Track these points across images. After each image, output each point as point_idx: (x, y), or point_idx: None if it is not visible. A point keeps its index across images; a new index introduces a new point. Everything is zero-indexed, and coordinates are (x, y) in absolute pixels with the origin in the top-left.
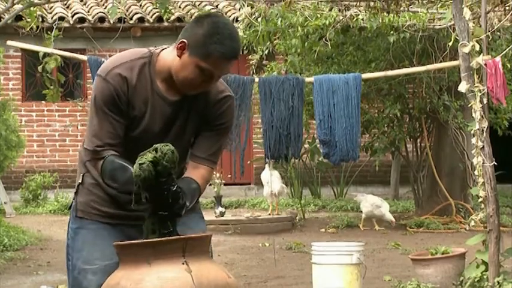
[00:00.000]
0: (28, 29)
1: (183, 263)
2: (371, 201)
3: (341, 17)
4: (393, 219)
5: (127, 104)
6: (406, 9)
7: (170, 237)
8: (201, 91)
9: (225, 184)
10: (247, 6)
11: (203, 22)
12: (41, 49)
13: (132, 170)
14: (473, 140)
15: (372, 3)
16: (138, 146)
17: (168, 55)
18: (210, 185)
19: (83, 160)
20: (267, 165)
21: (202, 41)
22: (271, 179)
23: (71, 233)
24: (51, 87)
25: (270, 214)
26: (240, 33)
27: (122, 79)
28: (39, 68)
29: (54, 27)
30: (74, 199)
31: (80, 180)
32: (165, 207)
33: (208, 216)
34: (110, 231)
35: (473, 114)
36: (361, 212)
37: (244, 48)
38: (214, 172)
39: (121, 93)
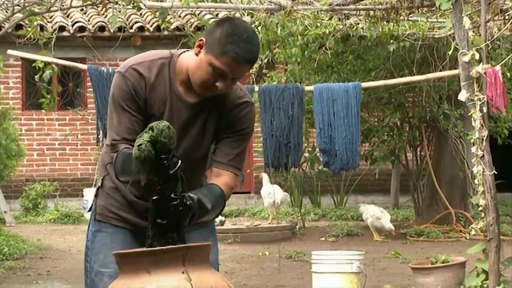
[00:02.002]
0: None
1: (183, 272)
2: (371, 213)
3: (341, 26)
4: (393, 228)
5: (145, 101)
6: (405, 18)
7: (170, 246)
8: (217, 94)
9: None
10: (247, 15)
11: (224, 23)
12: (41, 58)
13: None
14: (473, 149)
15: (371, 12)
16: None
17: (187, 57)
18: None
19: (104, 163)
20: (266, 181)
21: (218, 40)
22: (274, 189)
23: (90, 236)
24: (48, 96)
25: (270, 223)
26: None
27: (139, 76)
28: (36, 78)
29: (54, 36)
30: (93, 202)
31: (99, 184)
32: (169, 206)
33: None
34: (127, 235)
35: (473, 123)
36: (363, 221)
37: None
38: None
39: (139, 90)
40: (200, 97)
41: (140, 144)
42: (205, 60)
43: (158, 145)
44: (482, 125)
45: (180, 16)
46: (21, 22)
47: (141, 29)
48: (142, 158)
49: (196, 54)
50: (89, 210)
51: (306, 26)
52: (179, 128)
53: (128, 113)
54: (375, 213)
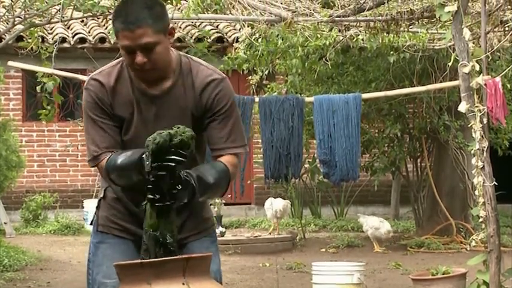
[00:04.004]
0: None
1: (184, 283)
2: (370, 224)
3: (341, 37)
4: (390, 229)
5: (111, 107)
6: (406, 29)
7: (171, 257)
8: (150, 74)
9: (225, 204)
10: (248, 26)
11: None
12: (42, 70)
13: (137, 156)
14: (474, 160)
15: (371, 24)
16: (137, 147)
17: None
18: (211, 204)
19: None
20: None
21: (113, 23)
22: (275, 200)
23: (92, 248)
24: (48, 107)
25: (270, 233)
26: (241, 54)
27: (100, 84)
28: (38, 88)
29: (55, 47)
30: (95, 213)
31: (102, 195)
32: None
33: None
34: (129, 246)
35: (474, 134)
36: (363, 232)
37: (245, 68)
38: None
39: (102, 97)
40: (163, 87)
41: (161, 132)
42: (120, 48)
43: (176, 140)
44: (482, 136)
45: (180, 27)
46: (21, 34)
47: None
48: (157, 141)
49: None
50: (91, 223)
51: (306, 37)
52: (153, 121)
53: (99, 122)
54: (373, 224)
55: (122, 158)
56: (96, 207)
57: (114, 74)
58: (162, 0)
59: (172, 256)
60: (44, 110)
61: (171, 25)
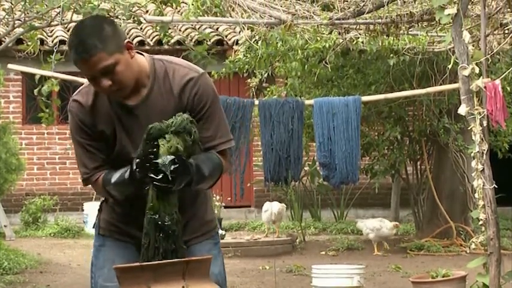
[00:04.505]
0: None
1: (183, 286)
2: (370, 226)
3: (341, 40)
4: (396, 223)
5: (93, 125)
6: (405, 32)
7: (170, 260)
8: (121, 93)
9: (225, 207)
10: (248, 29)
11: None
12: (42, 72)
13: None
14: (473, 163)
15: (371, 26)
16: (126, 162)
17: None
18: None
19: None
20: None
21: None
22: (271, 204)
23: (94, 251)
24: (47, 110)
25: (266, 236)
26: (241, 56)
27: (79, 104)
28: (35, 92)
29: (55, 50)
30: (97, 216)
31: (103, 198)
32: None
33: None
34: (130, 249)
35: (473, 137)
36: (363, 235)
37: (245, 71)
38: (215, 194)
39: (83, 118)
40: (140, 96)
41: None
42: None
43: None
44: (482, 139)
45: (180, 30)
46: (21, 36)
47: (142, 43)
48: (159, 128)
49: None
50: (93, 227)
51: (306, 40)
52: (136, 131)
53: (84, 143)
54: (374, 225)
55: (115, 176)
56: (98, 210)
57: (92, 91)
58: (110, 20)
59: (173, 240)
60: (44, 113)
61: (126, 39)
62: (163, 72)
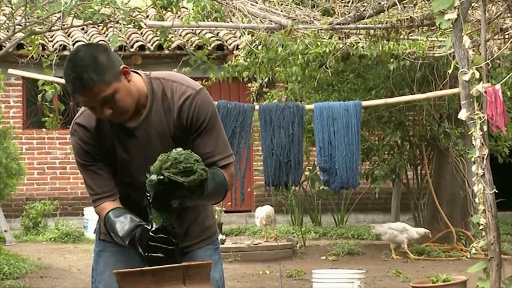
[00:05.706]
0: (29, 58)
1: None
2: (400, 227)
3: (341, 45)
4: (428, 231)
5: (97, 147)
6: (406, 37)
7: (171, 265)
8: (122, 118)
9: (225, 211)
10: (248, 34)
11: None
12: (42, 77)
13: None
14: (474, 168)
15: (372, 31)
16: (130, 182)
17: None
18: None
19: None
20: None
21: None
22: (260, 208)
23: (95, 256)
24: (51, 115)
25: (265, 241)
26: (241, 61)
27: (82, 128)
28: (39, 97)
29: (55, 55)
30: (98, 222)
31: None
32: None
33: None
34: (131, 254)
35: (474, 142)
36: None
37: (245, 75)
38: None
39: (87, 141)
40: (139, 117)
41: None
42: None
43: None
44: (482, 144)
45: (180, 35)
46: (22, 41)
47: (142, 48)
48: (166, 158)
49: None
50: (94, 232)
51: (307, 45)
52: (139, 154)
53: (89, 167)
54: (398, 227)
55: (119, 227)
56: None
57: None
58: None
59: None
60: (48, 118)
61: (121, 65)
62: (161, 91)
